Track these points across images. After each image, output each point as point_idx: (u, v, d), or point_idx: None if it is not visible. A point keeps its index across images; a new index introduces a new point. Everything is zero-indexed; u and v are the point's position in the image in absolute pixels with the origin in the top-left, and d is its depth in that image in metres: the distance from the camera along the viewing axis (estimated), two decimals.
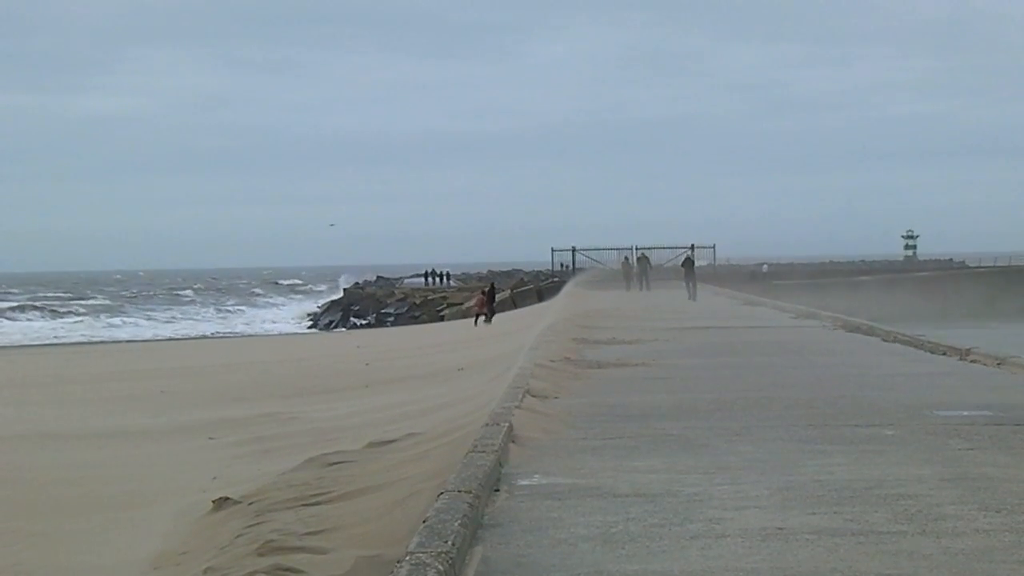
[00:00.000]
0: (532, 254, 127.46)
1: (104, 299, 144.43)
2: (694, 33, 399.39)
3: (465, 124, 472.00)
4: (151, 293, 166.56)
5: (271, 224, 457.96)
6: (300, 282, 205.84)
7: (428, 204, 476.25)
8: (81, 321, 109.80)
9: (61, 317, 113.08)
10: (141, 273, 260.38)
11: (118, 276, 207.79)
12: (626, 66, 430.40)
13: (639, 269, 75.51)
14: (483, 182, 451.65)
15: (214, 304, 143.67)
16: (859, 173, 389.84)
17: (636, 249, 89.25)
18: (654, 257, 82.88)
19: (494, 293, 67.66)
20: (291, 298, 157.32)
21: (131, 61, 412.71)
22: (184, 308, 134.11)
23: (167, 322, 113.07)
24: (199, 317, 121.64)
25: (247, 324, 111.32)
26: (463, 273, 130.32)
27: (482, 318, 59.80)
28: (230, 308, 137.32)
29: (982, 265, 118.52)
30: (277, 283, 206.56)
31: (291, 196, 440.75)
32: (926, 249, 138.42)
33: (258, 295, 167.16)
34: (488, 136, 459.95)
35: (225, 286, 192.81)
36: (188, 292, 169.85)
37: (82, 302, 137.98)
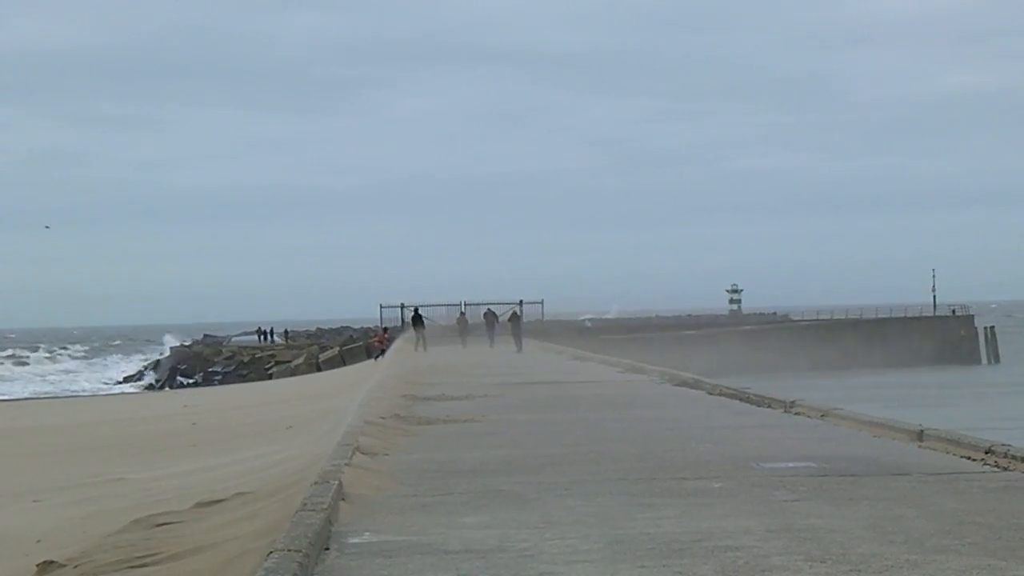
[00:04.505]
0: (362, 311, 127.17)
1: None
2: (554, 87, 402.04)
3: (313, 180, 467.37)
4: None
5: (105, 282, 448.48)
6: (119, 342, 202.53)
7: (262, 261, 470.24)
8: None
9: None
10: None
11: None
12: (485, 121, 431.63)
13: (486, 324, 75.45)
14: (319, 239, 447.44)
15: (32, 364, 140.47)
16: (693, 228, 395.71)
17: (465, 305, 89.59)
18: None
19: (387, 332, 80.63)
20: (116, 357, 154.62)
21: None
22: None
23: None
24: (11, 377, 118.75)
25: (71, 384, 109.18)
26: (292, 331, 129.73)
27: (383, 356, 65.62)
28: (52, 367, 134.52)
29: (805, 319, 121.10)
30: (103, 342, 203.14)
31: (129, 253, 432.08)
32: (752, 303, 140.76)
33: (83, 354, 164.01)
34: (334, 192, 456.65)
35: (49, 345, 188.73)
36: (6, 350, 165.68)
37: None
